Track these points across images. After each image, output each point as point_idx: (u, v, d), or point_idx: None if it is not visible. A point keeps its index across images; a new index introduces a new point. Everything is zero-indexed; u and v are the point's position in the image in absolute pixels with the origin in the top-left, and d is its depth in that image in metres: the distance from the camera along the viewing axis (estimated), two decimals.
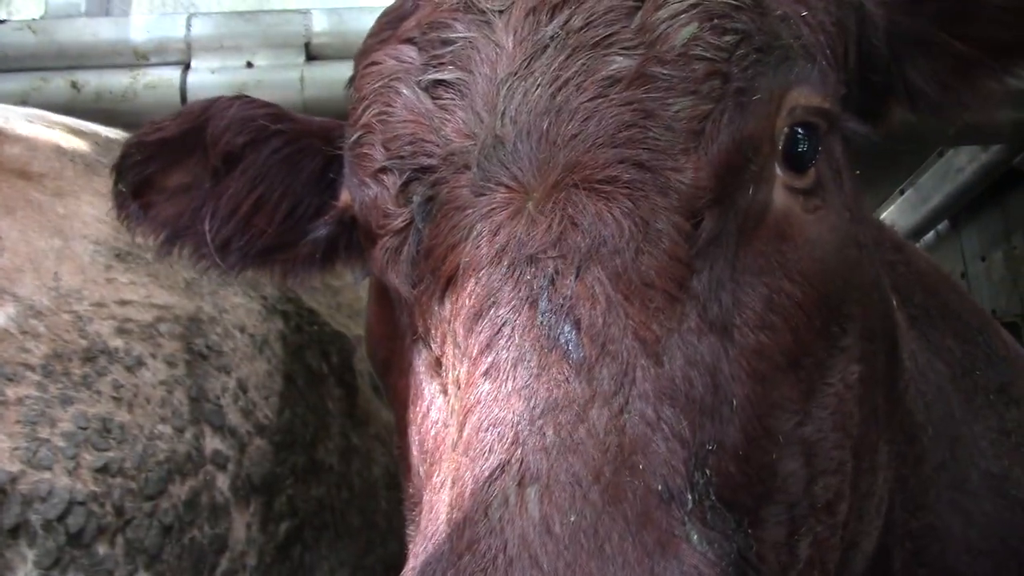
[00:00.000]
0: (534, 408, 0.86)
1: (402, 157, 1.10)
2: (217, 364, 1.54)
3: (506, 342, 0.92)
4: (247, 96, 1.50)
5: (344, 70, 1.37)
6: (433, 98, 1.10)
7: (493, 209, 0.99)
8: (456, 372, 0.98)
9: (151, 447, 1.42)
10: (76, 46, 2.92)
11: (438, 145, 1.06)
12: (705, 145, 0.99)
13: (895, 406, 1.28)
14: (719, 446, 0.91)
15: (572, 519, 0.79)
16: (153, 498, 1.40)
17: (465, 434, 0.89)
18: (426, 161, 1.07)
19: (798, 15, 1.08)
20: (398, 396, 1.20)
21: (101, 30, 2.97)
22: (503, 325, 0.93)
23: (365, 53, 1.24)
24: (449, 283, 1.02)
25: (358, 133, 1.17)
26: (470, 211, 1.00)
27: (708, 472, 0.88)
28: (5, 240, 1.42)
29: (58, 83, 2.90)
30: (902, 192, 4.05)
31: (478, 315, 0.95)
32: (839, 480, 1.05)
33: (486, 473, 0.84)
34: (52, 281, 1.44)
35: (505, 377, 0.90)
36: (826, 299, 1.04)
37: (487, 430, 0.87)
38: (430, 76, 1.11)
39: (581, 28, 1.04)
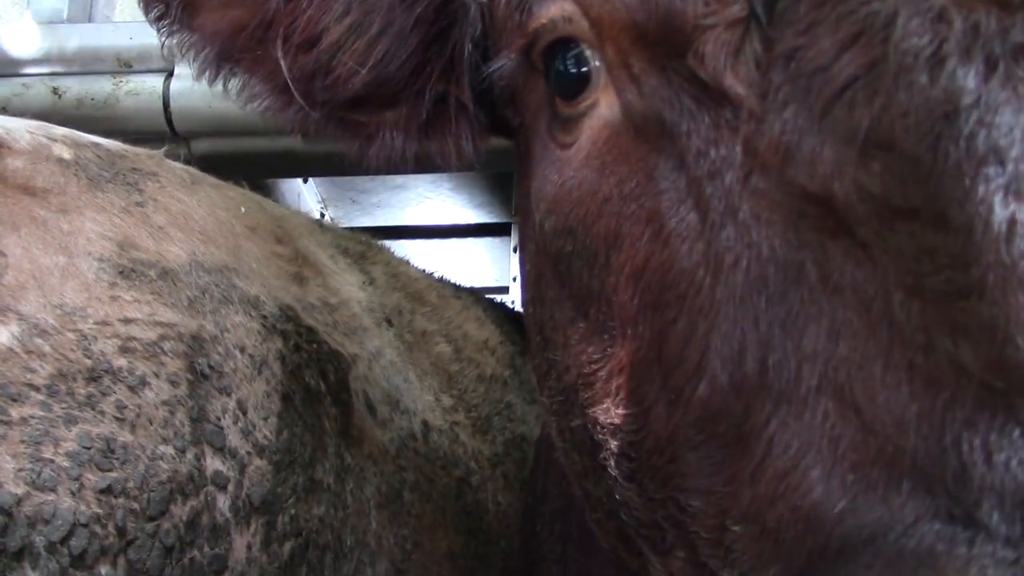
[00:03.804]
0: None
1: None
2: (218, 385, 1.54)
3: None
4: None
5: None
6: None
7: None
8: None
9: (153, 467, 1.42)
10: (58, 52, 2.91)
11: None
12: None
13: None
14: None
15: None
16: (155, 519, 1.40)
17: None
18: None
19: None
20: (646, 276, 0.90)
21: (84, 36, 2.96)
22: None
23: None
24: (843, 92, 0.77)
25: None
26: (857, 2, 0.77)
27: None
28: (10, 257, 1.41)
29: (39, 89, 2.88)
30: None
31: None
32: None
33: None
34: (57, 299, 1.43)
35: None
36: None
37: None
38: None
39: None
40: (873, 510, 0.69)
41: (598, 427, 0.98)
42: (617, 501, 0.98)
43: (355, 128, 1.25)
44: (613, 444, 0.96)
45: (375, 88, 1.21)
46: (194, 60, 1.26)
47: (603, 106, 0.99)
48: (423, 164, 1.31)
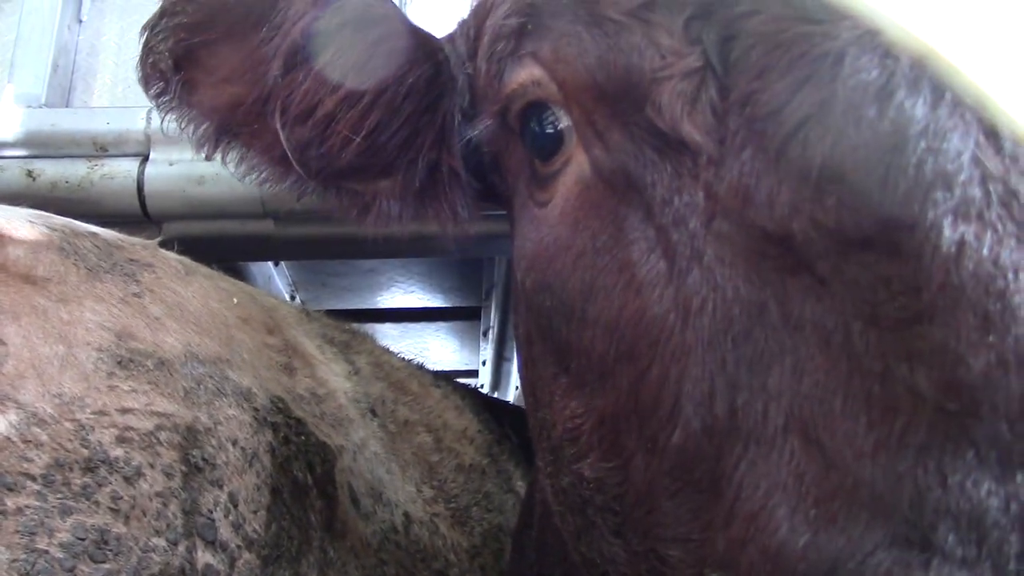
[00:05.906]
0: None
1: None
2: (211, 477, 1.54)
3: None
4: None
5: None
6: None
7: (856, 37, 0.76)
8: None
9: (145, 560, 1.41)
10: (35, 136, 2.92)
11: None
12: None
13: None
14: None
15: None
16: None
17: None
18: None
19: None
20: (620, 326, 0.91)
21: (61, 121, 2.98)
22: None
23: None
24: (796, 132, 0.78)
25: None
26: (807, 45, 0.78)
27: None
28: (10, 346, 1.42)
29: (13, 172, 2.88)
30: None
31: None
32: None
33: None
34: (55, 388, 1.43)
35: None
36: None
37: None
38: None
39: None
40: (833, 542, 0.70)
41: (584, 482, 0.98)
42: (607, 559, 0.98)
43: (352, 197, 1.29)
44: (599, 499, 0.96)
45: (369, 157, 1.24)
46: (193, 134, 1.29)
47: (575, 164, 1.02)
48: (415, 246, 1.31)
